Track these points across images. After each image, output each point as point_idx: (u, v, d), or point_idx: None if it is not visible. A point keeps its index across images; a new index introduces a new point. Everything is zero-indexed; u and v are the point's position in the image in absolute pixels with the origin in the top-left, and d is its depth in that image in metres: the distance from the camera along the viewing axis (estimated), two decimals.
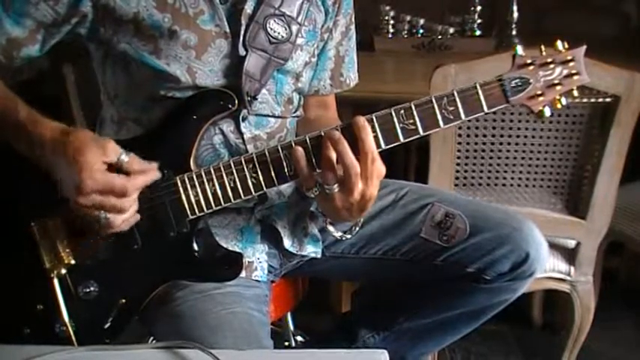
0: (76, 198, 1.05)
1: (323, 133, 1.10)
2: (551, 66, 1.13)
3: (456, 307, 1.38)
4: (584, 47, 1.15)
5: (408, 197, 1.38)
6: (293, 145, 1.11)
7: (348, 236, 1.24)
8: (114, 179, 1.06)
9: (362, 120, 1.09)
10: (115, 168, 1.07)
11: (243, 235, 1.28)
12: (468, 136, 1.68)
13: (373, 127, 1.10)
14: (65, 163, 1.05)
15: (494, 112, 1.63)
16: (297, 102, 1.35)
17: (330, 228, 1.22)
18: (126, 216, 1.09)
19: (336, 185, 1.10)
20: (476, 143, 1.68)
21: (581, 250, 1.73)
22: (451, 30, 2.59)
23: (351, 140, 1.08)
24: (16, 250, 1.16)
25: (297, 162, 1.10)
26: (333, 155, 1.08)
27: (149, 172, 1.10)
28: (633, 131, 1.59)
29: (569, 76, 1.14)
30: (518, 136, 1.67)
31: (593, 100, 1.60)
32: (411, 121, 1.11)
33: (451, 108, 1.11)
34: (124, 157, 1.07)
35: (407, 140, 1.13)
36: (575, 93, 1.15)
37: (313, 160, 1.11)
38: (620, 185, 1.65)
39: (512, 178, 1.72)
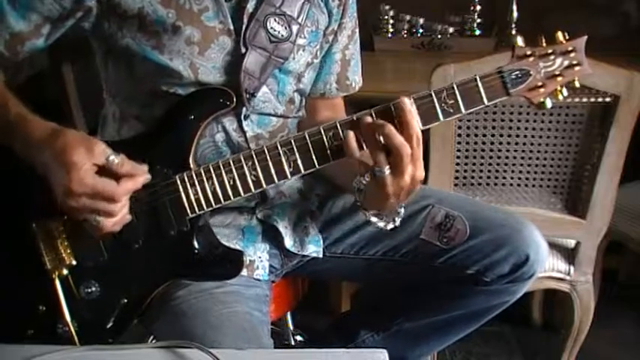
0: (65, 200, 1.04)
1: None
2: (552, 57, 1.11)
3: (456, 309, 1.38)
4: (585, 37, 1.12)
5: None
6: (292, 141, 1.11)
7: (392, 225, 1.20)
8: (102, 184, 1.04)
9: (408, 103, 1.07)
10: (105, 170, 1.05)
11: (245, 234, 1.28)
12: (468, 135, 1.67)
13: None
14: (53, 164, 1.04)
15: (493, 112, 1.65)
16: (299, 102, 1.35)
17: (374, 219, 1.18)
18: (116, 219, 1.08)
19: (387, 167, 1.08)
20: (475, 143, 1.68)
21: (580, 249, 1.73)
22: (451, 29, 2.58)
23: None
24: (18, 251, 1.16)
25: (348, 144, 1.08)
26: (380, 138, 1.06)
27: (139, 176, 1.08)
28: (633, 131, 1.58)
29: (570, 66, 1.12)
30: (517, 136, 1.66)
31: (593, 99, 1.59)
32: None
33: (451, 101, 1.10)
34: (113, 159, 1.05)
35: None
36: (577, 84, 1.13)
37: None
38: (620, 185, 1.65)
39: (512, 178, 1.72)
